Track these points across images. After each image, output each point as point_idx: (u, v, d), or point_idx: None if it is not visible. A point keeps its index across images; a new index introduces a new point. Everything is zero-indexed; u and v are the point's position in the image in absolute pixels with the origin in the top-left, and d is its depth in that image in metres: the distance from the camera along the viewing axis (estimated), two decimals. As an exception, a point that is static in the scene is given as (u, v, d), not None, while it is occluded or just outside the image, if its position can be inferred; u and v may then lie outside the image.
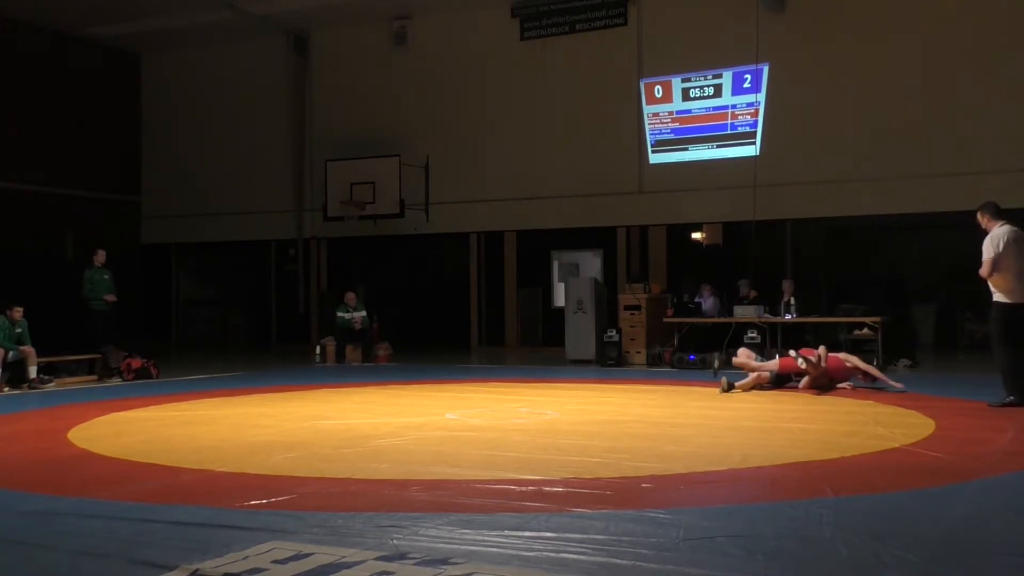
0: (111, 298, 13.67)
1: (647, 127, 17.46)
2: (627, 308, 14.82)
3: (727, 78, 16.81)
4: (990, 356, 14.02)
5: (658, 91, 17.36)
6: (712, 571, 3.50)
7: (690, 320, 14.35)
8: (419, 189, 18.69)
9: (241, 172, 20.95)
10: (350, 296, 16.25)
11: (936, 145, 15.44)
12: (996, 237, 8.20)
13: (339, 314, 16.09)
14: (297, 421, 8.03)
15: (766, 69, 16.45)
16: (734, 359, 10.86)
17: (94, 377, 12.99)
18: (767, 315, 13.45)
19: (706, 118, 17.03)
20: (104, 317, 13.65)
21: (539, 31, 18.34)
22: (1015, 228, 8.28)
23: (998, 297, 8.32)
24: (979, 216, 8.47)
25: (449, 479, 5.35)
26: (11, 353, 11.64)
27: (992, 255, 8.15)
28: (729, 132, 16.86)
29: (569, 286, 15.69)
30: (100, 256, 13.81)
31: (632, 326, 14.66)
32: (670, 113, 17.29)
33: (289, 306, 20.74)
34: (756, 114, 16.60)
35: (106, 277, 13.75)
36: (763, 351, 13.22)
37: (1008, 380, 8.37)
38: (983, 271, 8.24)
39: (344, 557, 3.69)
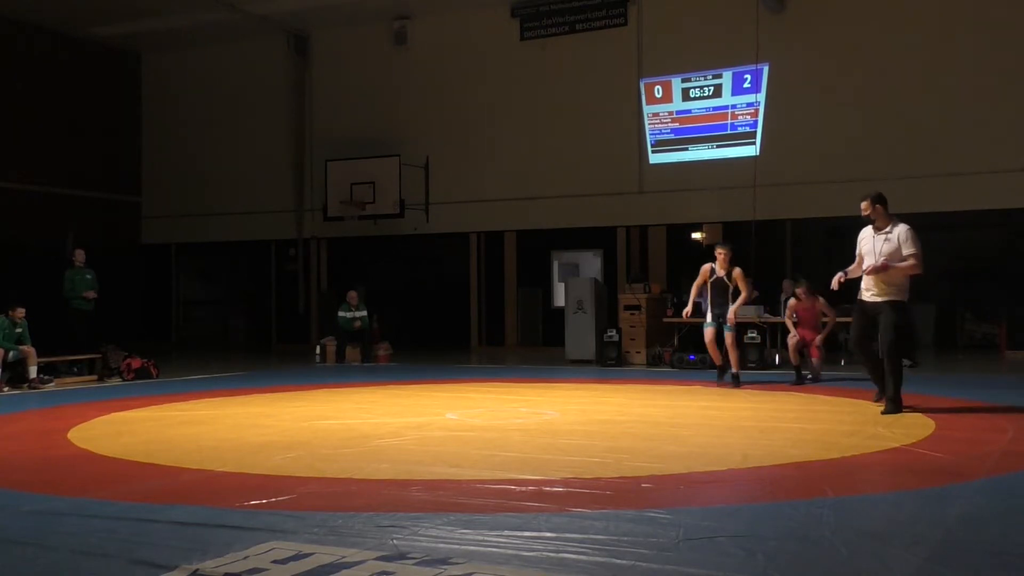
0: (91, 294, 13.61)
1: (647, 127, 17.47)
2: (627, 308, 14.81)
3: (727, 78, 16.82)
4: (991, 356, 13.98)
5: (658, 91, 17.36)
6: (712, 571, 3.50)
7: (690, 320, 14.33)
8: (419, 189, 18.71)
9: (241, 172, 20.96)
10: (352, 295, 16.24)
11: (936, 145, 15.45)
12: (915, 232, 7.87)
13: (340, 313, 16.08)
14: (297, 421, 8.03)
15: (766, 69, 16.45)
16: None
17: (94, 377, 12.99)
18: (767, 315, 13.45)
19: (706, 118, 17.03)
20: (85, 316, 13.61)
21: (539, 31, 18.34)
22: None
23: (896, 296, 7.85)
24: (871, 206, 7.97)
25: (449, 479, 5.35)
26: (11, 353, 11.64)
27: (919, 250, 7.82)
28: (729, 132, 16.86)
29: (569, 286, 15.68)
30: (80, 256, 13.80)
31: (632, 326, 14.66)
32: (670, 113, 17.30)
33: (289, 306, 20.75)
34: (756, 114, 16.60)
35: (87, 276, 13.72)
36: (763, 352, 13.26)
37: (893, 380, 7.91)
38: (914, 263, 7.80)
39: (344, 557, 3.68)
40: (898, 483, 5.15)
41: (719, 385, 10.64)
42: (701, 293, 10.71)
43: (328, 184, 18.85)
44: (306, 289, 20.61)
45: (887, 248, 7.86)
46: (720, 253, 10.63)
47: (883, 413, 7.78)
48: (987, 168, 15.01)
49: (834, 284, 8.24)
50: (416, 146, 18.78)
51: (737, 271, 10.51)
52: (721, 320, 10.49)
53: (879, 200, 8.01)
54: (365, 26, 19.74)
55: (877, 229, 8.00)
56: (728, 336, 10.51)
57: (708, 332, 10.63)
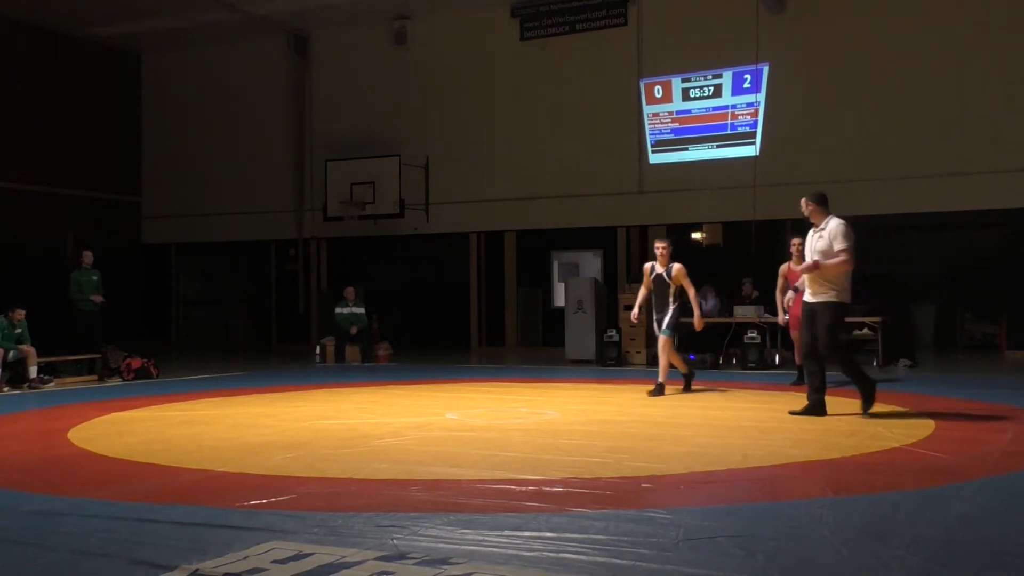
0: (97, 298, 13.56)
1: (647, 127, 17.47)
2: (627, 308, 14.75)
3: (727, 78, 16.82)
4: (991, 356, 13.94)
5: (658, 91, 17.36)
6: (712, 571, 3.50)
7: (690, 320, 14.33)
8: (419, 189, 18.72)
9: (241, 172, 20.96)
10: (349, 291, 16.25)
11: (936, 145, 15.46)
12: (846, 227, 7.60)
13: (337, 310, 16.08)
14: (297, 421, 8.03)
15: (766, 69, 16.46)
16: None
17: (94, 377, 12.99)
18: (767, 315, 13.45)
19: (706, 118, 17.03)
20: (92, 317, 13.58)
21: (539, 31, 18.35)
22: None
23: (832, 296, 7.60)
24: (807, 204, 7.82)
25: (449, 479, 5.35)
26: (11, 353, 11.64)
27: (850, 244, 7.53)
28: (729, 132, 16.86)
29: (569, 286, 15.69)
30: (87, 257, 13.75)
31: (632, 326, 14.62)
32: (670, 113, 17.30)
33: (289, 306, 20.75)
34: (756, 114, 16.61)
35: (94, 278, 13.67)
36: (763, 352, 13.26)
37: (854, 380, 7.85)
38: (843, 259, 7.51)
39: (344, 557, 3.69)
40: (898, 483, 5.15)
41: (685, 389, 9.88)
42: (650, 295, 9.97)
43: (328, 184, 18.86)
44: (306, 289, 20.61)
45: (820, 245, 7.67)
46: (659, 247, 9.79)
47: (863, 414, 7.75)
48: (987, 168, 15.01)
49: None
50: (416, 146, 18.79)
51: (677, 267, 9.62)
52: (659, 325, 9.71)
53: (814, 198, 7.85)
54: (365, 26, 19.75)
55: (814, 227, 7.82)
56: (661, 340, 9.71)
57: (661, 339, 9.76)
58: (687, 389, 9.98)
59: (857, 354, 14.41)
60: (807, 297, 7.83)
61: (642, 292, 9.99)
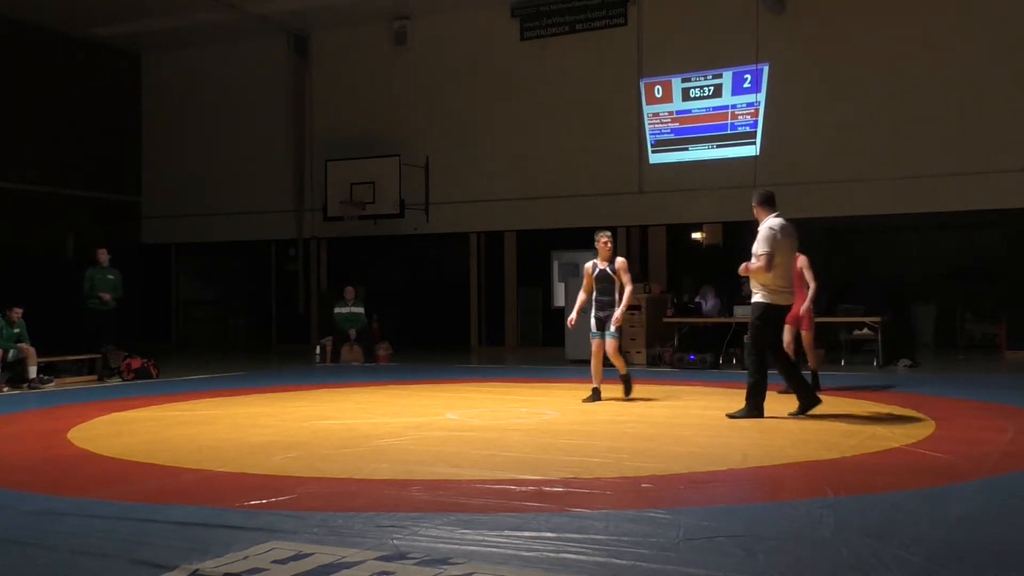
0: (105, 296, 13.50)
1: (647, 127, 17.47)
2: (627, 308, 14.78)
3: (727, 78, 16.82)
4: (991, 356, 13.98)
5: (658, 91, 17.36)
6: (712, 571, 3.50)
7: (690, 320, 14.37)
8: (419, 189, 18.72)
9: (241, 172, 20.96)
10: (349, 291, 16.25)
11: (936, 145, 15.45)
12: (771, 231, 7.57)
13: (336, 309, 16.08)
14: (297, 421, 8.03)
15: (766, 69, 16.46)
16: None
17: (94, 377, 12.99)
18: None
19: (706, 118, 17.03)
20: (101, 316, 13.53)
21: (539, 31, 18.35)
22: (786, 221, 7.73)
23: (759, 297, 7.63)
24: (753, 206, 7.85)
25: (449, 479, 5.35)
26: (11, 353, 11.64)
27: (769, 249, 7.50)
28: (729, 132, 16.86)
29: (569, 286, 15.66)
30: (102, 256, 13.74)
31: (632, 326, 14.64)
32: (670, 113, 17.30)
33: (289, 306, 20.75)
34: (756, 114, 16.60)
35: (110, 276, 13.64)
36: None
37: (749, 379, 7.78)
38: (759, 264, 7.50)
39: (344, 557, 3.69)
40: (898, 483, 5.15)
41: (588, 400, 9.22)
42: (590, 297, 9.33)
43: (328, 184, 18.86)
44: (306, 289, 20.61)
45: (753, 247, 7.67)
46: (600, 241, 9.21)
47: (729, 415, 7.73)
48: (987, 168, 15.01)
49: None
50: (416, 146, 18.79)
51: (620, 262, 9.14)
52: (601, 324, 9.14)
53: (756, 198, 7.84)
54: (365, 26, 19.75)
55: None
56: (610, 344, 9.15)
57: (595, 344, 9.24)
58: (593, 399, 9.31)
59: (859, 354, 14.46)
60: None
61: (582, 296, 9.40)
